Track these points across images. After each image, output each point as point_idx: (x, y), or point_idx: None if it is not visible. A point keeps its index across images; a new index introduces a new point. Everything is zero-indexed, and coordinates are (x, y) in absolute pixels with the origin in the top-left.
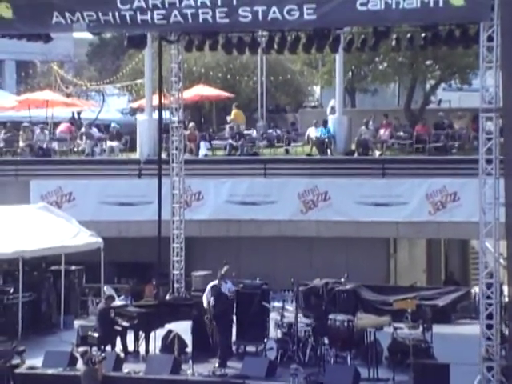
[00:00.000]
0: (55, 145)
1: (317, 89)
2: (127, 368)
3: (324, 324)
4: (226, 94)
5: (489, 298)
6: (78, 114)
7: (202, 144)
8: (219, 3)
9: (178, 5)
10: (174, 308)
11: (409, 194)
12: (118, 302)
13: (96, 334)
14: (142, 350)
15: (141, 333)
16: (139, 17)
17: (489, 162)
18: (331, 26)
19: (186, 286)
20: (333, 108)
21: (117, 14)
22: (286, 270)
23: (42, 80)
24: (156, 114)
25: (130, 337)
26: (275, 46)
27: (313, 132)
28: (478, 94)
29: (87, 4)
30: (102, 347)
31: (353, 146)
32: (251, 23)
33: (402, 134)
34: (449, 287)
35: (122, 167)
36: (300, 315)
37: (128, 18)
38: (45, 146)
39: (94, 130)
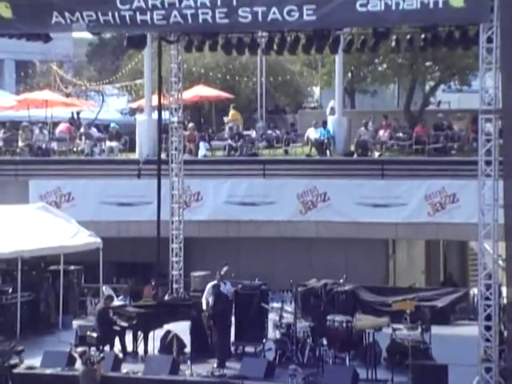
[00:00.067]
0: (54, 145)
1: (316, 90)
2: (126, 368)
3: (323, 325)
4: (226, 95)
5: (487, 299)
6: (78, 114)
7: (202, 144)
8: (219, 4)
9: (177, 5)
10: (172, 308)
11: (408, 195)
12: (116, 302)
13: (95, 334)
14: (140, 350)
15: (139, 333)
16: (139, 17)
17: (488, 163)
18: (331, 26)
19: (184, 287)
20: (332, 109)
21: (116, 14)
22: (285, 270)
23: (41, 80)
24: (155, 115)
25: (129, 337)
26: (275, 47)
27: (312, 133)
28: (478, 96)
29: (87, 4)
30: (101, 347)
31: (352, 147)
32: (251, 24)
33: (401, 135)
34: (447, 288)
35: (122, 167)
36: (299, 316)
37: (128, 18)
38: (44, 145)
39: (94, 130)
